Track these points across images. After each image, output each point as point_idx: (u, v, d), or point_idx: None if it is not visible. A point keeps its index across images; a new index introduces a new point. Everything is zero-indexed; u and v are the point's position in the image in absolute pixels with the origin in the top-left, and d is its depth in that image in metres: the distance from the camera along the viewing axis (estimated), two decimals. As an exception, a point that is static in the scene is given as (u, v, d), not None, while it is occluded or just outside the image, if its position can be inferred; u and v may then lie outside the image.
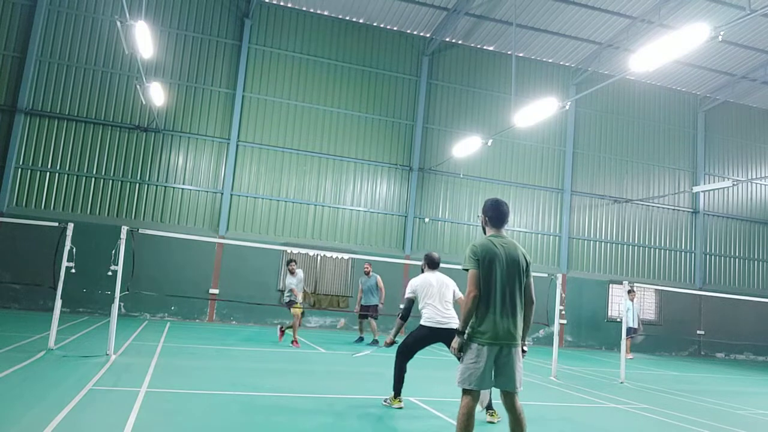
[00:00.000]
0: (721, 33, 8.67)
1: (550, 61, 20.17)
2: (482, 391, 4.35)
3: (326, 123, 17.92)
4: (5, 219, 11.85)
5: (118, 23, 10.97)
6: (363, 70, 18.42)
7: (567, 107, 12.56)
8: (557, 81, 20.21)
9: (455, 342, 4.09)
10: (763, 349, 20.96)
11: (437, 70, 19.14)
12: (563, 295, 10.35)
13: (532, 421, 5.39)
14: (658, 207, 20.96)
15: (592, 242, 20.20)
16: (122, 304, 14.16)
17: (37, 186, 15.46)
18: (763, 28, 17.65)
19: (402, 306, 6.66)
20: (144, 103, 15.16)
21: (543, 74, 20.09)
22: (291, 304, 11.66)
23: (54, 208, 15.48)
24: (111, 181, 16.03)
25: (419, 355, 6.61)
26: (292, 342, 11.68)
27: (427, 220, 18.45)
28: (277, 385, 7.22)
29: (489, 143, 15.04)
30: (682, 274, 21.05)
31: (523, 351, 4.13)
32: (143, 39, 10.63)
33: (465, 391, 4.00)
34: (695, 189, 18.74)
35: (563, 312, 10.54)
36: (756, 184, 22.14)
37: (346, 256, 16.17)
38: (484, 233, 4.32)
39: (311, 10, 18.06)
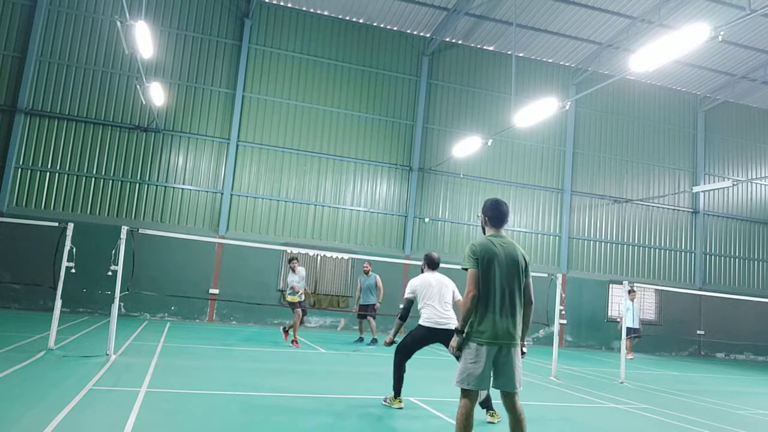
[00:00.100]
0: (721, 33, 8.67)
1: (550, 61, 20.17)
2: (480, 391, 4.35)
3: (326, 123, 17.93)
4: (5, 219, 11.87)
5: (118, 23, 10.97)
6: (363, 70, 18.42)
7: (567, 107, 12.57)
8: (557, 81, 20.21)
9: (454, 341, 4.09)
10: (763, 349, 20.96)
11: (437, 70, 19.14)
12: (563, 295, 10.35)
13: (532, 421, 5.38)
14: (658, 207, 20.95)
15: (592, 242, 20.20)
16: (122, 304, 14.17)
17: (37, 186, 15.47)
18: (763, 28, 17.65)
19: (401, 306, 6.67)
20: (144, 103, 15.16)
21: (543, 74, 20.09)
22: (294, 305, 11.68)
23: (54, 208, 15.48)
24: (111, 181, 16.03)
25: (419, 355, 6.62)
26: (292, 342, 11.69)
27: (427, 220, 18.45)
28: (277, 385, 7.22)
29: (489, 143, 15.04)
30: (682, 274, 21.05)
31: (522, 353, 4.12)
32: (143, 39, 10.63)
33: (464, 392, 4.00)
34: (695, 189, 18.74)
35: (563, 312, 10.54)
36: (756, 184, 22.14)
37: (346, 256, 16.17)
38: (484, 233, 4.31)
39: (311, 10, 18.06)
